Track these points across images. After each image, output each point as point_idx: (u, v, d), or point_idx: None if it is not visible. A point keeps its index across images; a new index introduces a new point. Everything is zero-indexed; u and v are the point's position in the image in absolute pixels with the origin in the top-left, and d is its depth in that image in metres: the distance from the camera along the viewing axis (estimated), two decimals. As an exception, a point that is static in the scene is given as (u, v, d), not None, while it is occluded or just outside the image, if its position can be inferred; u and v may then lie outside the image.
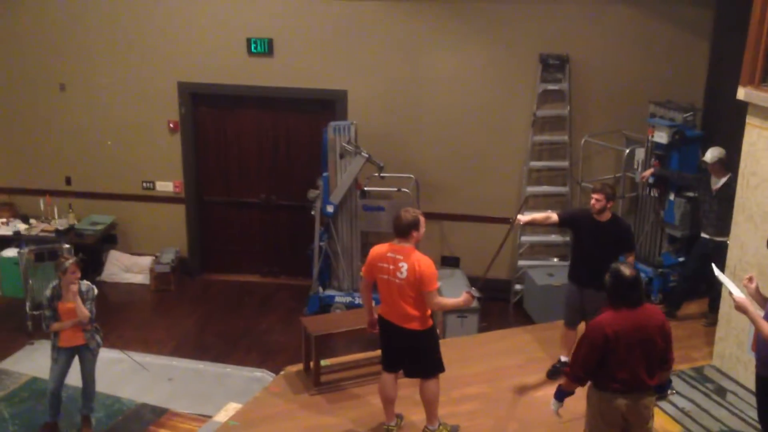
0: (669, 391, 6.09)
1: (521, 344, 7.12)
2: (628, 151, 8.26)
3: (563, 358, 6.46)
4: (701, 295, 7.63)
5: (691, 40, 8.24)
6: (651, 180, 7.85)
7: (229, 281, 9.53)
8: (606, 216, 6.11)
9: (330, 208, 8.32)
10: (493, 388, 6.36)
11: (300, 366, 6.61)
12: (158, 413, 6.74)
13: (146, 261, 9.44)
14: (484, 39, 8.50)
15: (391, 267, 5.21)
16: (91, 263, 8.94)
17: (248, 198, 9.44)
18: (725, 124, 7.53)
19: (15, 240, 8.96)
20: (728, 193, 6.79)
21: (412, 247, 5.24)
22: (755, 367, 4.97)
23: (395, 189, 8.55)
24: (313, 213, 8.50)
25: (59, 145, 9.45)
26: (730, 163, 6.87)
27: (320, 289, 8.59)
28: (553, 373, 6.46)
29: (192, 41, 8.87)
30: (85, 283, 6.19)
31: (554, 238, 8.84)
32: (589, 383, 4.67)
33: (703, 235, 7.24)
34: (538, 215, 6.40)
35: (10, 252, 8.80)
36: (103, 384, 6.57)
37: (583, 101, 8.53)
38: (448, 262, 8.98)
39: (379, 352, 5.74)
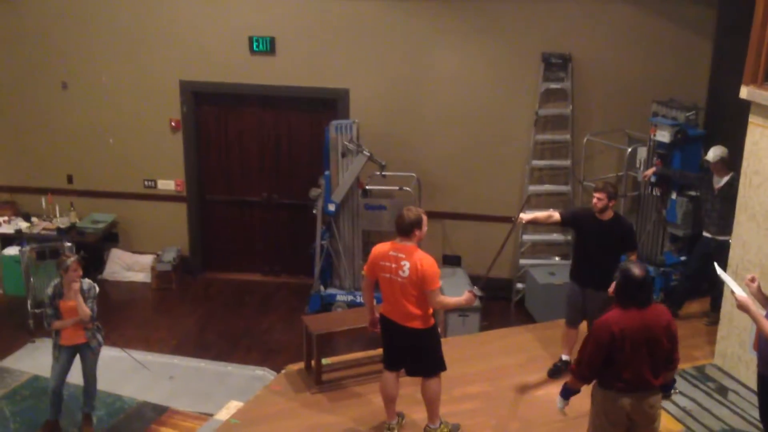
0: (672, 391, 6.08)
1: (522, 343, 7.12)
2: (630, 150, 8.26)
3: (564, 357, 6.46)
4: (703, 294, 7.62)
5: (693, 39, 8.22)
6: (653, 179, 7.84)
7: (230, 280, 9.53)
8: (608, 215, 6.10)
9: (332, 207, 8.32)
10: (494, 387, 6.36)
11: (301, 364, 6.61)
12: (159, 411, 6.74)
13: (147, 259, 9.45)
14: (486, 37, 8.50)
15: (394, 266, 5.20)
16: (93, 261, 8.94)
17: (250, 197, 9.44)
18: (728, 123, 7.52)
19: (17, 238, 8.97)
20: (730, 192, 6.78)
21: (415, 245, 5.23)
22: (757, 366, 4.96)
23: (397, 188, 8.55)
24: (314, 212, 8.50)
25: (61, 143, 9.46)
26: (733, 162, 6.86)
27: (322, 288, 8.59)
28: (554, 372, 6.45)
29: (194, 40, 8.87)
30: (87, 282, 6.20)
31: (556, 237, 8.83)
32: (593, 382, 4.66)
33: (705, 234, 7.23)
34: (540, 214, 6.39)
35: (12, 250, 8.80)
36: (104, 382, 6.57)
37: (586, 100, 8.52)
38: (450, 260, 8.97)
39: (380, 350, 5.73)
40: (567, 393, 4.80)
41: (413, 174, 8.63)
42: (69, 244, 8.34)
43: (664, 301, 7.69)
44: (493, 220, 8.65)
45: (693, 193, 7.68)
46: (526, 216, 6.25)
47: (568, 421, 5.14)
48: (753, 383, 5.54)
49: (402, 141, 8.80)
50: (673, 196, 7.84)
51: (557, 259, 8.85)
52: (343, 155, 8.24)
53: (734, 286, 4.62)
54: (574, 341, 6.38)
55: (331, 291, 8.59)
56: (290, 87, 8.84)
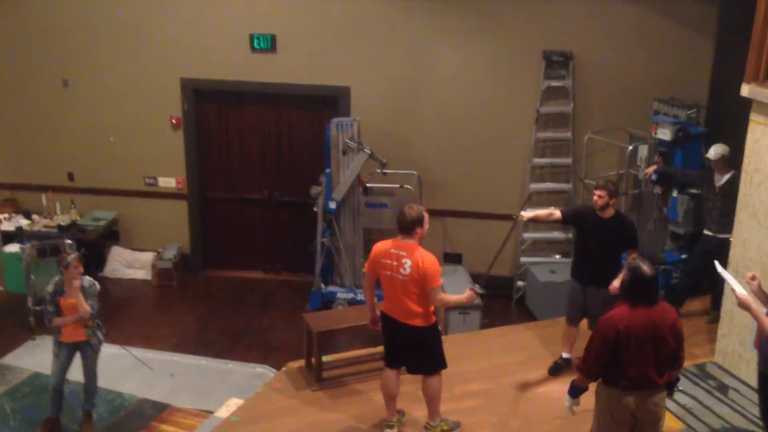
0: (674, 389, 6.08)
1: (523, 341, 7.12)
2: (631, 148, 8.25)
3: (565, 355, 6.46)
4: (704, 292, 7.62)
5: (695, 37, 8.22)
6: (654, 177, 7.84)
7: (231, 277, 9.53)
8: (609, 213, 6.10)
9: (332, 205, 8.32)
10: (495, 385, 6.36)
11: (302, 362, 6.60)
12: (160, 409, 6.75)
13: (148, 257, 9.44)
14: (487, 35, 8.49)
15: (395, 263, 5.20)
16: (94, 259, 8.93)
17: (251, 194, 9.44)
18: (729, 121, 7.52)
19: (17, 235, 8.96)
20: (731, 190, 6.78)
21: (416, 243, 5.23)
22: (757, 364, 4.97)
23: (398, 185, 8.55)
24: (315, 209, 8.50)
25: (62, 141, 9.45)
26: (734, 160, 6.85)
27: (322, 286, 8.59)
28: (554, 370, 6.45)
29: (195, 37, 8.86)
30: (88, 279, 6.20)
31: (557, 234, 8.83)
32: (598, 380, 4.65)
33: (706, 232, 7.23)
34: (541, 212, 6.39)
35: (13, 247, 8.79)
36: (104, 379, 6.57)
37: (587, 98, 8.51)
38: (451, 258, 8.97)
39: (381, 348, 5.74)
40: (575, 391, 4.76)
41: (414, 172, 8.63)
42: (70, 241, 8.34)
43: (665, 299, 7.69)
44: (494, 218, 8.65)
45: (694, 191, 7.68)
46: (527, 214, 6.24)
47: (569, 419, 5.12)
48: (754, 381, 5.54)
49: (403, 139, 8.79)
50: (674, 194, 7.84)
51: (558, 256, 8.85)
52: (344, 153, 8.23)
53: (735, 284, 4.62)
54: (574, 339, 6.39)
55: (331, 288, 8.59)
56: (291, 85, 8.83)
